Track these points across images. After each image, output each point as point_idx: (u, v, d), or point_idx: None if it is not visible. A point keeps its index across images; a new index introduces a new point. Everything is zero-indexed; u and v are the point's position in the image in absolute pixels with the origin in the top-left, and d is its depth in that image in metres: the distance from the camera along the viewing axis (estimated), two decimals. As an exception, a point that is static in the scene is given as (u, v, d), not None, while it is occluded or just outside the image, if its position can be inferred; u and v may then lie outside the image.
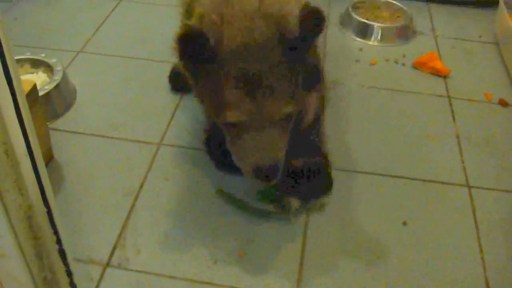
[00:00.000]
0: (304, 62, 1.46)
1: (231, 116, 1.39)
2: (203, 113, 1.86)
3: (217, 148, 1.81)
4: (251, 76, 1.34)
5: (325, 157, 1.80)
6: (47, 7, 2.72)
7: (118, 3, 2.77)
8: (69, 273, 1.12)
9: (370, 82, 2.28)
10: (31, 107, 1.63)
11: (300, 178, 1.71)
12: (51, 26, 2.58)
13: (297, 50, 1.40)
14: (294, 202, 1.70)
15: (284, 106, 1.39)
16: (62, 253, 1.08)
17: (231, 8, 1.40)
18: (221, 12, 1.39)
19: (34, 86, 1.69)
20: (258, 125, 1.39)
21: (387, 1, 2.73)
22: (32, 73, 2.11)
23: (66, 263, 1.09)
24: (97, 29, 2.56)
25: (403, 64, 2.41)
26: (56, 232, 1.03)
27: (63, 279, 1.13)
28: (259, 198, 1.72)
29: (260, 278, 1.53)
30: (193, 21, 1.44)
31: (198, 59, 1.39)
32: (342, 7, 2.75)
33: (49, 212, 0.99)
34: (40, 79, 2.06)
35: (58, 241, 1.06)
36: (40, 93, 1.92)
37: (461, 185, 1.83)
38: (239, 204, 1.71)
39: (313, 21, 1.35)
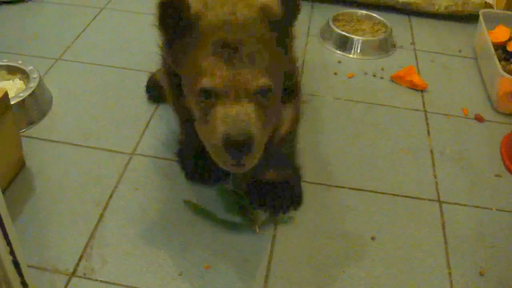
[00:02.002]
0: (286, 37, 1.47)
1: (207, 82, 1.32)
2: (177, 124, 1.85)
3: (189, 159, 1.81)
4: (230, 44, 1.32)
5: (296, 170, 1.80)
6: (27, 15, 2.72)
7: (99, 12, 2.78)
8: (24, 284, 1.11)
9: (347, 95, 2.28)
10: (1, 114, 1.64)
11: (270, 190, 1.71)
12: (31, 33, 2.58)
13: (279, 27, 1.42)
14: (261, 215, 1.70)
15: (261, 77, 1.33)
16: (16, 264, 1.07)
17: None
18: None
19: (6, 94, 1.69)
20: (233, 96, 1.32)
21: (367, 14, 2.74)
22: (9, 79, 2.10)
23: (20, 274, 1.09)
24: (77, 37, 2.56)
25: (381, 78, 2.42)
26: (9, 243, 1.03)
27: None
28: (227, 210, 1.73)
29: (225, 290, 1.52)
30: None
31: (177, 28, 1.38)
32: (322, 19, 2.75)
33: (1, 223, 0.98)
34: (16, 86, 2.05)
35: (12, 252, 1.05)
36: (15, 100, 1.94)
37: (432, 200, 1.84)
38: (206, 215, 1.71)
39: (292, 11, 1.40)
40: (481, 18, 2.52)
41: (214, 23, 1.35)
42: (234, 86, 1.31)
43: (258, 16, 1.38)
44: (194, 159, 1.79)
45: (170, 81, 1.62)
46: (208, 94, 1.34)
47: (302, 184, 1.84)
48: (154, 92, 2.15)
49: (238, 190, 1.76)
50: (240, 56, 1.31)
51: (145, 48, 2.46)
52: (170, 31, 1.40)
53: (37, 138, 1.96)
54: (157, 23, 1.39)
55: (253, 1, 1.41)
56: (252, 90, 1.32)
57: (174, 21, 1.37)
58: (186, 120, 1.67)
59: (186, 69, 1.42)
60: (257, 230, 1.68)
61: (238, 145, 1.29)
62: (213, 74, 1.31)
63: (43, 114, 2.06)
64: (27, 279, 1.11)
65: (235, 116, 1.30)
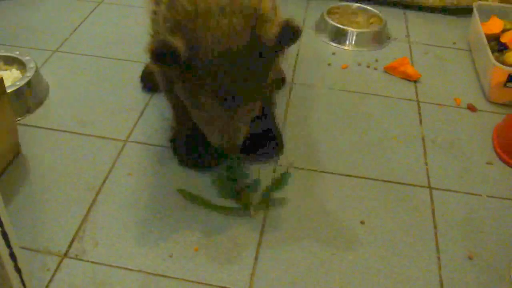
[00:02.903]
0: (274, 66, 1.51)
1: (203, 115, 1.48)
2: (170, 111, 1.88)
3: (182, 145, 1.84)
4: (227, 91, 1.38)
5: (275, 125, 1.89)
6: (26, 8, 2.75)
7: (97, 5, 2.81)
8: (13, 257, 1.13)
9: (340, 86, 2.30)
10: (-3, 101, 1.67)
11: (254, 138, 1.76)
12: (29, 26, 2.61)
13: (270, 56, 1.44)
14: (255, 198, 1.73)
15: (254, 111, 1.51)
16: (5, 236, 1.09)
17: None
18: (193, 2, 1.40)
19: (1, 81, 1.71)
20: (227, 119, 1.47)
21: (362, 7, 2.75)
22: (6, 70, 2.12)
23: (9, 246, 1.11)
24: (75, 30, 2.59)
25: (375, 69, 2.44)
26: (1, 224, 1.05)
27: (8, 263, 1.14)
28: (221, 195, 1.75)
29: (214, 272, 1.54)
30: (162, 10, 1.45)
31: (172, 67, 1.40)
32: (317, 12, 2.77)
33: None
34: (13, 76, 2.08)
35: (1, 224, 1.07)
36: (12, 89, 1.96)
37: (422, 186, 1.85)
38: (200, 202, 1.73)
39: (291, 35, 1.39)
40: (475, 10, 2.54)
41: (209, 59, 1.36)
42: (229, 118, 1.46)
43: (251, 40, 1.39)
44: (186, 145, 1.81)
45: (162, 73, 1.65)
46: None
47: (293, 169, 1.88)
48: (148, 82, 2.17)
49: (231, 175, 1.77)
50: (236, 102, 1.42)
51: (141, 40, 2.45)
52: (166, 69, 1.44)
53: (33, 126, 1.99)
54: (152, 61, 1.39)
55: (246, 22, 1.39)
56: (244, 114, 1.49)
57: (168, 65, 1.39)
58: (178, 107, 1.70)
59: (184, 96, 1.50)
60: (252, 213, 1.69)
61: (228, 152, 1.55)
62: (210, 112, 1.45)
63: (39, 103, 2.09)
64: (18, 252, 1.13)
65: (226, 129, 1.49)
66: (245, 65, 1.39)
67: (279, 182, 1.81)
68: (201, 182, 1.82)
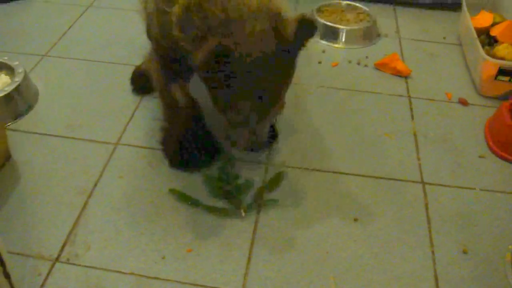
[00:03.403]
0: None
1: (235, 117, 1.51)
2: (162, 110, 1.86)
3: (173, 146, 1.83)
4: (264, 93, 1.45)
5: None
6: (14, 13, 2.74)
7: (85, 9, 2.80)
8: (1, 262, 1.12)
9: (331, 83, 2.30)
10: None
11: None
12: (18, 31, 2.61)
13: (293, 53, 1.48)
14: (247, 199, 1.73)
15: (280, 110, 1.57)
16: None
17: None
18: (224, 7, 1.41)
19: (-13, 84, 1.70)
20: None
21: (351, 4, 2.75)
22: (-5, 75, 2.12)
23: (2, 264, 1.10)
24: (64, 34, 2.58)
25: (365, 65, 2.43)
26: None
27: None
28: (212, 195, 1.75)
29: (206, 273, 1.54)
30: (178, 10, 1.45)
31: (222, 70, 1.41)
32: (307, 10, 2.77)
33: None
34: (1, 81, 2.07)
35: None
36: (1, 94, 1.97)
37: (415, 181, 1.85)
38: (192, 202, 1.72)
39: (308, 31, 1.43)
40: (463, 4, 2.53)
41: (245, 63, 1.39)
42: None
43: (279, 44, 1.42)
44: (177, 146, 1.80)
45: (161, 69, 1.68)
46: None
47: (285, 168, 1.87)
48: (139, 84, 2.17)
49: (223, 175, 1.76)
50: (268, 103, 1.49)
51: (130, 43, 2.49)
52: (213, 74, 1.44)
53: (22, 131, 1.98)
54: (202, 69, 1.41)
55: (272, 24, 1.43)
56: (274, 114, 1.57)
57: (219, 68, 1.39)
58: (172, 107, 1.69)
59: (218, 98, 1.52)
60: (243, 213, 1.68)
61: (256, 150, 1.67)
62: (242, 113, 1.49)
63: (29, 108, 2.08)
64: (8, 268, 1.12)
65: (257, 135, 1.59)
66: (277, 66, 1.43)
67: (274, 182, 1.81)
68: (192, 183, 1.81)
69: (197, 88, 1.73)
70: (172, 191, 1.75)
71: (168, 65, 1.70)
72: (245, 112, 1.48)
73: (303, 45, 1.47)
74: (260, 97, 1.45)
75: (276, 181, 1.81)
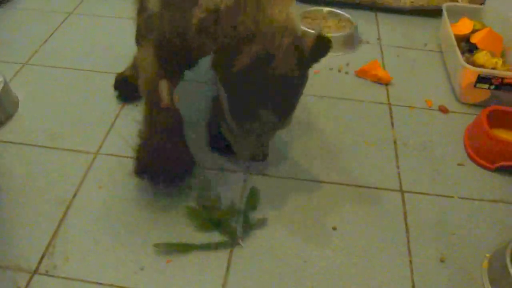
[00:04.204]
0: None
1: (249, 125, 1.54)
2: (145, 112, 1.80)
3: (146, 153, 1.77)
4: (279, 106, 1.50)
5: None
6: (-5, 20, 2.72)
7: (66, 17, 2.79)
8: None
9: (311, 91, 2.30)
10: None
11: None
12: (-2, 38, 2.59)
13: (308, 68, 1.53)
14: (235, 226, 1.71)
15: (289, 122, 1.61)
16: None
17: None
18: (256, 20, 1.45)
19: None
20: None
21: (333, 11, 2.76)
22: (-26, 85, 2.10)
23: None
24: (44, 42, 2.57)
25: (346, 73, 2.44)
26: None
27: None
28: (199, 229, 1.71)
29: (185, 283, 1.55)
30: (203, 15, 1.48)
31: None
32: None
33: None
34: (-19, 91, 2.06)
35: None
36: (-20, 104, 1.93)
37: (394, 190, 1.86)
38: (183, 248, 1.66)
39: (324, 48, 1.47)
40: (444, 11, 2.55)
41: (273, 76, 1.45)
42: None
43: (298, 59, 1.47)
44: (149, 155, 1.76)
45: (157, 63, 1.68)
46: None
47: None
48: (123, 89, 2.17)
49: (205, 201, 1.76)
50: (285, 110, 1.54)
51: (111, 51, 2.48)
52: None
53: (1, 141, 1.97)
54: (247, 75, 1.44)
55: (293, 40, 1.47)
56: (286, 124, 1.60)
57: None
58: (154, 106, 1.69)
59: (234, 105, 1.54)
60: (242, 243, 1.67)
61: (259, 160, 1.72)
62: (258, 121, 1.53)
63: (8, 117, 2.07)
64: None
65: (260, 145, 1.66)
66: (295, 80, 1.49)
67: (252, 199, 1.79)
68: (174, 217, 1.77)
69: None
70: (157, 245, 1.66)
71: (168, 59, 1.70)
72: (261, 121, 1.52)
73: (317, 61, 1.50)
74: (278, 108, 1.50)
75: (253, 197, 1.79)
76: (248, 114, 1.52)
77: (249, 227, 1.70)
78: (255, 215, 1.75)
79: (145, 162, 1.75)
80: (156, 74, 1.68)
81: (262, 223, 1.72)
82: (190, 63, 1.72)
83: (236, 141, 1.69)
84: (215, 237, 1.68)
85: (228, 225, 1.70)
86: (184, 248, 1.64)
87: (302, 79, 1.52)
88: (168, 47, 1.64)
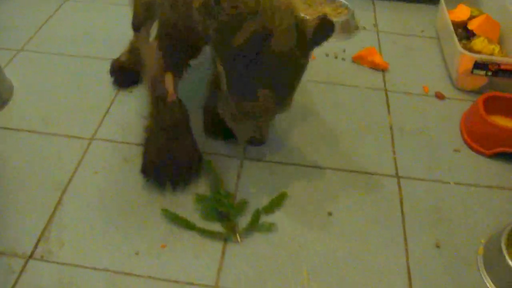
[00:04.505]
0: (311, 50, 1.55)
1: (249, 106, 1.51)
2: (149, 104, 1.78)
3: (152, 152, 1.77)
4: (279, 86, 1.49)
5: None
6: (-10, 6, 2.71)
7: (62, 3, 2.78)
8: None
9: (308, 77, 2.29)
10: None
11: None
12: (-7, 25, 2.57)
13: (309, 51, 1.52)
14: (241, 221, 1.69)
15: (289, 105, 1.59)
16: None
17: None
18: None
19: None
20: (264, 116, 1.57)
21: (329, -2, 2.75)
22: (-31, 71, 2.10)
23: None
24: (40, 28, 2.56)
25: (343, 59, 2.44)
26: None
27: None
28: (204, 217, 1.69)
29: (180, 268, 1.54)
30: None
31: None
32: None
33: None
34: (-25, 77, 2.05)
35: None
36: (-26, 90, 1.92)
37: (390, 175, 1.85)
38: (185, 224, 1.67)
39: (326, 31, 1.47)
40: (441, -3, 2.54)
41: (272, 55, 1.44)
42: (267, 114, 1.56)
43: (300, 39, 1.46)
44: (155, 153, 1.75)
45: (168, 50, 1.67)
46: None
47: (259, 163, 1.86)
48: (119, 75, 2.17)
49: (217, 195, 1.73)
50: (286, 93, 1.53)
51: (107, 37, 2.47)
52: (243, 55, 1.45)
53: (-4, 127, 1.96)
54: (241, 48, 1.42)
55: (294, 20, 1.47)
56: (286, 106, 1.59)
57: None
58: (160, 100, 1.69)
59: (235, 87, 1.52)
60: (239, 239, 1.65)
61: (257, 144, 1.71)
62: (259, 101, 1.51)
63: (3, 103, 2.07)
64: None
65: (265, 128, 1.66)
66: (296, 61, 1.48)
67: (274, 204, 1.75)
68: (185, 204, 1.77)
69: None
70: (165, 211, 1.68)
71: (173, 49, 1.69)
72: (261, 101, 1.50)
73: (319, 44, 1.50)
74: (278, 89, 1.49)
75: (275, 203, 1.76)
76: (247, 93, 1.50)
77: (255, 228, 1.67)
78: (267, 219, 1.71)
79: (151, 161, 1.74)
80: (161, 67, 1.68)
81: (269, 228, 1.68)
82: (195, 52, 1.70)
83: (235, 123, 1.66)
84: (217, 228, 1.67)
85: (233, 219, 1.67)
86: (186, 224, 1.65)
87: (303, 60, 1.50)
88: (172, 36, 1.63)
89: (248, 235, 1.64)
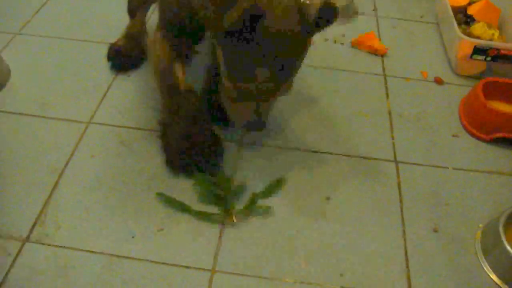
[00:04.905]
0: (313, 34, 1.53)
1: (250, 86, 1.48)
2: (162, 98, 1.77)
3: (173, 146, 1.76)
4: (277, 67, 1.45)
5: None
6: (-13, -10, 2.69)
7: (60, -14, 2.75)
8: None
9: (307, 61, 2.25)
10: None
11: None
12: (-11, 8, 2.56)
13: (310, 35, 1.49)
14: (237, 204, 1.68)
15: (288, 89, 1.56)
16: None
17: None
18: None
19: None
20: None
21: (329, -18, 2.72)
22: (-35, 54, 2.08)
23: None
24: (37, 11, 2.54)
25: (342, 44, 2.42)
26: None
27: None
28: (201, 200, 1.69)
29: (177, 252, 1.54)
30: None
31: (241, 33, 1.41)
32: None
33: None
34: (-28, 60, 2.04)
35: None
36: (-29, 73, 1.91)
37: (388, 160, 1.85)
38: (180, 207, 1.67)
39: (329, 15, 1.44)
40: (441, -18, 2.52)
41: (269, 34, 1.40)
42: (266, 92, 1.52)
43: (299, 22, 1.43)
44: (177, 144, 1.74)
45: (172, 37, 1.66)
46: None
47: (257, 147, 1.86)
48: (117, 59, 2.16)
49: (213, 179, 1.72)
50: (284, 72, 1.48)
51: (104, 21, 2.46)
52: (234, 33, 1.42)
53: (-8, 110, 1.95)
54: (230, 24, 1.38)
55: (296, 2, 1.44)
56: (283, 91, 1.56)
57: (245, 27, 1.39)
58: (173, 91, 1.67)
59: (231, 66, 1.50)
60: (234, 219, 1.64)
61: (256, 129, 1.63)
62: (256, 81, 1.47)
63: (0, 86, 2.04)
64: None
65: (259, 111, 1.59)
66: (296, 44, 1.45)
67: (271, 189, 1.75)
68: (181, 186, 1.76)
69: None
70: (160, 195, 1.69)
71: (176, 41, 1.68)
72: (259, 81, 1.47)
73: (321, 29, 1.47)
74: (277, 68, 1.46)
75: (272, 188, 1.75)
76: (245, 72, 1.48)
77: (251, 210, 1.67)
78: (264, 203, 1.70)
79: (175, 152, 1.74)
80: (169, 57, 1.67)
81: (265, 211, 1.68)
82: (199, 37, 1.69)
83: (234, 107, 1.63)
84: (213, 211, 1.66)
85: (228, 201, 1.67)
86: (181, 206, 1.65)
87: (303, 43, 1.48)
88: (175, 24, 1.62)
89: (245, 220, 1.63)
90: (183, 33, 1.64)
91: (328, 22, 1.45)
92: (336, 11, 1.43)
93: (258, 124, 1.61)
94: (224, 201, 1.66)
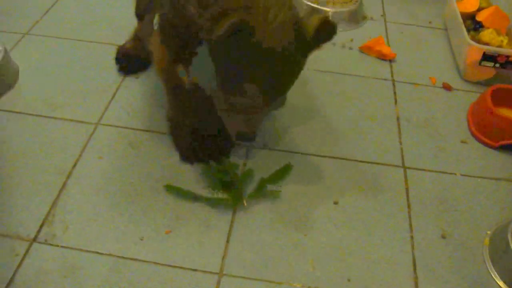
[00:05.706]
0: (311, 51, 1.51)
1: (239, 99, 1.48)
2: (168, 95, 1.79)
3: (184, 139, 1.79)
4: (268, 82, 1.43)
5: None
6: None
7: (69, -13, 2.75)
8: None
9: (314, 66, 2.28)
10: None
11: None
12: (-1, 8, 2.56)
13: (308, 51, 1.48)
14: (246, 190, 1.70)
15: (280, 104, 1.57)
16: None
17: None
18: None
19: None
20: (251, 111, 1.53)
21: (337, -14, 2.73)
22: (-25, 54, 2.09)
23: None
24: (46, 12, 2.54)
25: (350, 48, 2.42)
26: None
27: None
28: (210, 188, 1.71)
29: (185, 255, 1.53)
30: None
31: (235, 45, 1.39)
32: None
33: None
34: (-19, 60, 2.04)
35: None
36: (-20, 73, 1.91)
37: (396, 166, 1.84)
38: (190, 196, 1.68)
39: (327, 33, 1.43)
40: (450, -12, 2.52)
41: (259, 51, 1.38)
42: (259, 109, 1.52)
43: (297, 38, 1.42)
44: (189, 138, 1.77)
45: (170, 43, 1.66)
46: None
47: (264, 150, 1.85)
48: (125, 62, 2.16)
49: (220, 167, 1.74)
50: (276, 89, 1.47)
51: (113, 22, 2.46)
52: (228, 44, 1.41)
53: (2, 110, 1.95)
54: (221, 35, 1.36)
55: (292, 17, 1.43)
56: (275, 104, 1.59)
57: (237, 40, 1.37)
58: (178, 89, 1.68)
59: (225, 76, 1.48)
60: (245, 203, 1.66)
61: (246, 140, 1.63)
62: (248, 97, 1.46)
63: (8, 87, 2.06)
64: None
65: (255, 123, 1.58)
66: (289, 60, 1.42)
67: (279, 174, 1.77)
68: (188, 175, 1.78)
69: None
70: (168, 187, 1.70)
71: (174, 42, 1.68)
72: (249, 95, 1.46)
73: (318, 46, 1.46)
74: (267, 85, 1.43)
75: (281, 173, 1.77)
76: (234, 87, 1.47)
77: (262, 194, 1.70)
78: (272, 187, 1.73)
79: (188, 147, 1.76)
80: (170, 61, 1.67)
81: (274, 195, 1.71)
82: (197, 43, 1.69)
83: (226, 115, 1.62)
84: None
85: (238, 188, 1.69)
86: (191, 196, 1.67)
87: (298, 60, 1.46)
88: (172, 29, 1.62)
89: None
90: (181, 39, 1.64)
91: (326, 39, 1.44)
92: (335, 28, 1.41)
93: (247, 135, 1.61)
94: (233, 187, 1.68)
